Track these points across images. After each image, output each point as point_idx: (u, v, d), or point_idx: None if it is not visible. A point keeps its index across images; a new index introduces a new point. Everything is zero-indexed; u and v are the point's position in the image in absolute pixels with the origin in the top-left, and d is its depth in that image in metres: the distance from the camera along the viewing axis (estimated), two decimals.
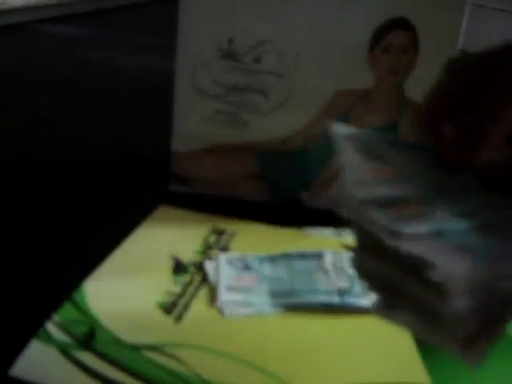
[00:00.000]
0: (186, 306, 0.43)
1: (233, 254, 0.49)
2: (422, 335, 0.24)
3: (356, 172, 0.27)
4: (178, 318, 0.41)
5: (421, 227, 0.24)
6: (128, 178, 0.63)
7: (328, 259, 0.48)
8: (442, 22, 0.53)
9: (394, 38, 0.54)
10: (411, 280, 0.23)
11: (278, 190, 0.60)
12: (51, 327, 0.39)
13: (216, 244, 0.51)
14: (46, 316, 0.40)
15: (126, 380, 0.35)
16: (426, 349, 0.40)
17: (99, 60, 1.08)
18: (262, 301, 0.43)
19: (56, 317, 0.40)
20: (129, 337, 0.39)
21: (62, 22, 1.29)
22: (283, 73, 0.56)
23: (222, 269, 0.47)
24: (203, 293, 0.45)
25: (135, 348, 0.38)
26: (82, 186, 0.60)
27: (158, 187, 0.61)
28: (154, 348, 0.38)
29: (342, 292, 0.44)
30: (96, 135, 0.74)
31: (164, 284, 0.45)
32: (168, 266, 0.47)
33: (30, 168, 0.63)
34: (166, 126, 0.59)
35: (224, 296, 0.43)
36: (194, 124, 0.58)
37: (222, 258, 0.48)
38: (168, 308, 0.42)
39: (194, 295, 0.44)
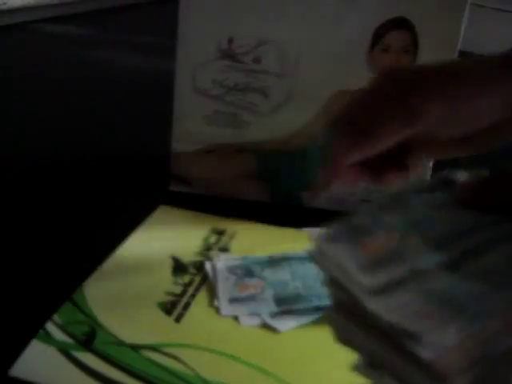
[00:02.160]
0: (186, 307, 0.43)
1: (232, 258, 0.49)
2: None
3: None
4: (178, 319, 0.41)
5: (392, 272, 0.21)
6: (128, 178, 0.63)
7: None
8: (442, 22, 0.53)
9: (394, 38, 0.54)
10: (390, 349, 0.20)
11: (278, 190, 0.60)
12: (51, 327, 0.39)
13: (216, 244, 0.51)
14: (47, 316, 0.40)
15: (126, 380, 0.35)
16: None
17: (99, 60, 1.08)
18: (267, 310, 0.43)
19: (56, 317, 0.40)
20: (129, 337, 0.39)
21: (62, 22, 1.29)
22: (283, 73, 0.56)
23: (222, 279, 0.46)
24: (203, 293, 0.45)
25: (135, 348, 0.38)
26: (83, 186, 0.60)
27: (158, 187, 0.61)
28: (154, 348, 0.38)
29: None
30: (96, 135, 0.74)
31: (164, 284, 0.45)
32: (168, 266, 0.47)
33: (30, 169, 0.63)
34: (166, 126, 0.59)
35: (226, 310, 0.42)
36: (194, 124, 0.58)
37: (222, 265, 0.47)
38: (168, 308, 0.42)
39: (193, 295, 0.44)
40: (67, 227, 0.52)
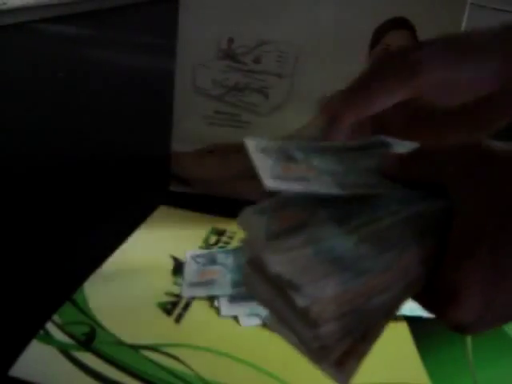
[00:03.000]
0: (186, 307, 0.43)
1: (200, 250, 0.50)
2: (304, 356, 0.24)
3: (270, 170, 0.26)
4: (178, 319, 0.41)
5: (296, 238, 0.23)
6: (128, 178, 0.63)
7: None
8: (442, 22, 0.53)
9: (394, 38, 0.54)
10: (282, 300, 0.23)
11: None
12: (51, 327, 0.39)
13: (216, 244, 0.51)
14: (47, 316, 0.40)
15: (126, 380, 0.35)
16: (426, 349, 0.40)
17: (99, 60, 1.08)
18: (223, 292, 0.44)
19: (56, 317, 0.40)
20: (129, 337, 0.39)
21: (62, 22, 1.29)
22: (283, 73, 0.56)
23: (187, 266, 0.47)
24: None
25: (135, 348, 0.38)
26: (83, 186, 0.60)
27: (158, 187, 0.61)
28: (154, 348, 0.38)
29: None
30: (96, 135, 0.74)
31: (164, 284, 0.45)
32: (168, 266, 0.47)
33: (30, 169, 0.63)
34: (166, 126, 0.59)
35: (226, 311, 0.43)
36: (194, 124, 0.58)
37: (188, 255, 0.49)
38: (168, 308, 0.42)
39: (193, 296, 0.44)
40: (67, 227, 0.52)
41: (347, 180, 0.25)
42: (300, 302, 0.21)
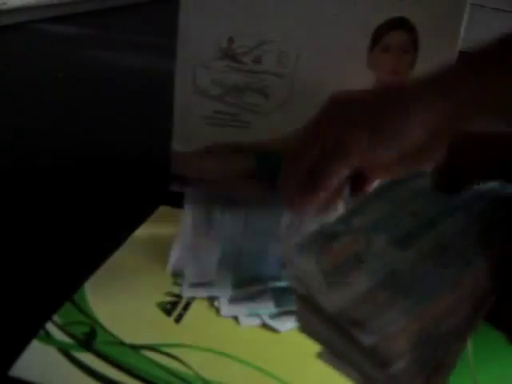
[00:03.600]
0: (186, 307, 0.43)
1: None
2: None
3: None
4: (178, 319, 0.41)
5: (352, 271, 0.21)
6: (128, 178, 0.63)
7: None
8: (442, 22, 0.53)
9: (394, 38, 0.54)
10: (343, 339, 0.21)
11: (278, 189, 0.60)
12: (51, 327, 0.39)
13: None
14: (47, 316, 0.40)
15: (126, 380, 0.35)
16: None
17: (99, 60, 1.08)
18: (267, 310, 0.42)
19: (56, 317, 0.40)
20: (129, 337, 0.39)
21: (62, 22, 1.29)
22: (283, 73, 0.56)
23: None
24: None
25: (135, 348, 0.38)
26: (82, 186, 0.60)
27: (158, 187, 0.61)
28: (153, 348, 0.38)
29: None
30: (96, 135, 0.74)
31: (164, 284, 0.45)
32: (168, 266, 0.47)
33: (31, 169, 0.63)
34: (166, 126, 0.59)
35: (226, 311, 0.42)
36: (194, 124, 0.58)
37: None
38: (168, 308, 0.42)
39: (193, 296, 0.44)
40: (67, 227, 0.52)
41: (403, 228, 0.23)
42: (366, 340, 0.19)
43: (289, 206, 0.40)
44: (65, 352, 0.37)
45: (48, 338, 0.38)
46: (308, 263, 0.22)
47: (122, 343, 0.38)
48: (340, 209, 0.39)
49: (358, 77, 0.55)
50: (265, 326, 0.41)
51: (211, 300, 0.44)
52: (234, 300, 0.43)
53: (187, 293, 0.44)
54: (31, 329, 0.38)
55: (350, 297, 0.20)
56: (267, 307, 0.43)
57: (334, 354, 0.22)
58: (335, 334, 0.21)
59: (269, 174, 0.60)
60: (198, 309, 0.43)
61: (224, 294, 0.44)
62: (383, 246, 0.22)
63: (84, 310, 0.41)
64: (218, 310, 0.43)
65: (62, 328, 0.39)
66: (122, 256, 0.48)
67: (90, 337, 0.38)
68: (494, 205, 0.23)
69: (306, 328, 0.23)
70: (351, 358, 0.21)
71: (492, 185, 0.24)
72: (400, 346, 0.20)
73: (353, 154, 0.35)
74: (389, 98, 0.36)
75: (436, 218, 0.23)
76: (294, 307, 0.42)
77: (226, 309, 0.43)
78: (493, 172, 0.23)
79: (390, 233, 0.22)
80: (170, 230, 0.53)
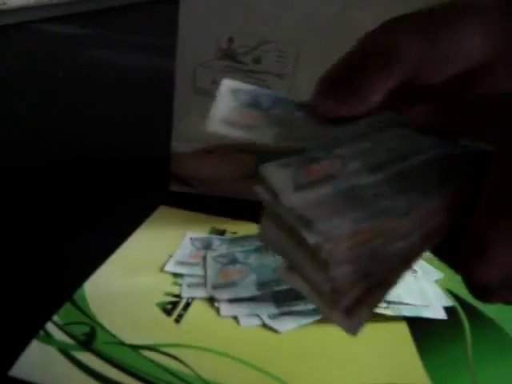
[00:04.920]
0: (186, 307, 0.43)
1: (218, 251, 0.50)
2: (313, 303, 0.22)
3: (226, 112, 0.24)
4: (178, 319, 0.41)
5: (320, 190, 0.21)
6: (128, 178, 0.63)
7: None
8: None
9: None
10: (295, 243, 0.21)
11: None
12: (51, 327, 0.39)
13: None
14: (47, 316, 0.40)
15: (126, 380, 0.35)
16: (426, 349, 0.40)
17: (99, 60, 1.08)
18: (266, 311, 0.43)
19: (56, 317, 0.40)
20: (129, 337, 0.39)
21: (62, 22, 1.29)
22: (283, 73, 0.56)
23: (207, 266, 0.47)
24: None
25: (135, 348, 0.38)
26: (83, 186, 0.60)
27: (158, 187, 0.61)
28: (153, 348, 0.38)
29: None
30: (96, 135, 0.74)
31: (164, 284, 0.45)
32: (168, 266, 0.47)
33: (30, 169, 0.63)
34: (166, 126, 0.59)
35: (226, 311, 0.42)
36: (194, 124, 0.58)
37: (209, 256, 0.48)
38: (168, 308, 0.42)
39: (193, 296, 0.44)
40: (67, 227, 0.52)
41: (377, 159, 0.23)
42: (311, 239, 0.20)
43: (322, 110, 0.32)
44: (65, 352, 0.37)
45: (48, 338, 0.38)
46: (283, 172, 0.22)
47: (121, 343, 0.38)
48: None
49: None
50: (265, 326, 0.41)
51: (211, 300, 0.44)
52: (233, 300, 0.43)
53: (187, 293, 0.44)
54: (31, 329, 0.38)
55: (308, 199, 0.21)
56: (267, 308, 0.43)
57: (288, 268, 0.23)
58: (290, 242, 0.21)
59: None
60: (198, 309, 0.43)
61: (249, 294, 0.44)
62: (355, 171, 0.22)
63: (84, 310, 0.41)
64: (217, 310, 0.43)
65: (61, 328, 0.39)
66: (121, 256, 0.48)
67: (89, 337, 0.39)
68: (465, 154, 0.24)
69: (265, 237, 0.23)
70: (300, 265, 0.21)
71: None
72: (343, 252, 0.20)
73: (405, 59, 0.28)
74: (446, 9, 0.29)
75: (409, 154, 0.24)
76: (294, 308, 0.42)
77: (226, 309, 0.43)
78: (478, 133, 0.24)
79: (365, 161, 0.23)
80: (170, 230, 0.53)
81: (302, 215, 0.20)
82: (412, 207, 0.21)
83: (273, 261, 0.46)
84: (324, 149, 0.25)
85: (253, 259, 0.47)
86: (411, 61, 0.28)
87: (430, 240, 0.22)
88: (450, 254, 0.23)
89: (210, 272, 0.46)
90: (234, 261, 0.47)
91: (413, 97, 0.30)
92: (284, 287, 0.43)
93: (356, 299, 0.21)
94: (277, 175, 0.22)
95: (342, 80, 0.30)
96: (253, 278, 0.45)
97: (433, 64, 0.28)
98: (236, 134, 0.23)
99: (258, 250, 0.48)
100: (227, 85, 0.27)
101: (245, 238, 0.51)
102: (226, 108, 0.24)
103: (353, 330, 0.21)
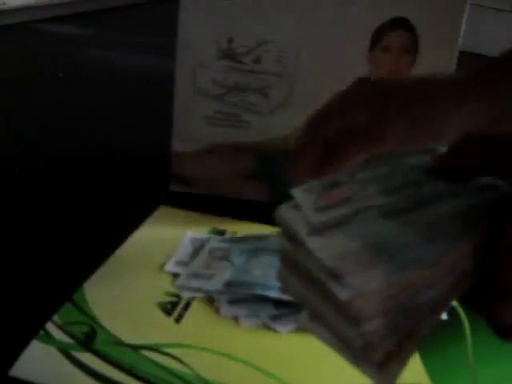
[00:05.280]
0: (186, 307, 0.43)
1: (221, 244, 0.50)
2: (339, 354, 0.22)
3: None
4: (178, 319, 0.41)
5: (337, 211, 0.21)
6: (128, 178, 0.63)
7: None
8: (442, 22, 0.53)
9: (394, 38, 0.54)
10: (320, 295, 0.21)
11: (278, 190, 0.60)
12: (51, 327, 0.39)
13: None
14: (47, 316, 0.40)
15: (125, 380, 0.35)
16: (426, 349, 0.40)
17: (99, 60, 1.08)
18: (267, 312, 0.43)
19: (56, 317, 0.40)
20: (129, 337, 0.39)
21: (62, 22, 1.29)
22: (283, 73, 0.55)
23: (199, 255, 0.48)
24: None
25: (135, 348, 0.38)
26: (83, 186, 0.60)
27: (158, 187, 0.61)
28: (153, 348, 0.38)
29: None
30: (96, 135, 0.74)
31: (164, 284, 0.45)
32: (168, 266, 0.47)
33: (31, 169, 0.63)
34: (166, 126, 0.59)
35: (226, 311, 0.43)
36: (194, 124, 0.58)
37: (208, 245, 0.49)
38: (168, 308, 0.42)
39: (193, 296, 0.44)
40: (67, 227, 0.52)
41: (392, 183, 0.24)
42: (342, 294, 0.19)
43: (295, 173, 0.34)
44: (65, 352, 0.37)
45: (48, 338, 0.38)
46: (298, 217, 0.22)
47: (121, 343, 0.38)
48: None
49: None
50: (265, 326, 0.41)
51: (211, 300, 0.44)
52: (233, 300, 0.43)
53: (187, 293, 0.44)
54: (31, 329, 0.38)
55: (332, 248, 0.20)
56: (267, 308, 0.43)
57: (310, 317, 0.22)
58: (313, 291, 0.21)
59: (269, 174, 0.60)
60: (198, 309, 0.43)
61: (213, 288, 0.44)
62: (373, 193, 0.23)
63: (84, 310, 0.41)
64: (217, 310, 0.43)
65: (61, 328, 0.39)
66: (121, 256, 0.48)
67: (89, 337, 0.38)
68: (486, 198, 0.24)
69: (285, 285, 0.23)
70: (326, 317, 0.21)
71: (489, 180, 0.25)
72: (374, 307, 0.19)
73: (389, 143, 0.30)
74: (426, 86, 0.32)
75: (433, 202, 0.23)
76: (294, 309, 0.42)
77: (226, 309, 0.43)
78: (490, 171, 0.24)
79: (383, 186, 0.23)
80: (170, 230, 0.53)
81: (329, 268, 0.19)
82: (439, 257, 0.21)
83: (255, 265, 0.47)
84: (346, 174, 0.25)
85: (243, 259, 0.48)
86: (392, 141, 0.31)
87: (458, 287, 0.22)
88: (475, 299, 0.24)
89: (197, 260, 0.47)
90: (225, 257, 0.48)
91: None
92: (245, 291, 0.44)
93: (388, 353, 0.21)
94: (291, 218, 0.22)
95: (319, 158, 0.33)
96: (227, 275, 0.45)
97: (412, 142, 0.31)
98: (339, 212, 0.22)
99: (253, 252, 0.49)
100: (297, 191, 0.25)
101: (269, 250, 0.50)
102: (312, 201, 0.23)
103: (387, 383, 0.21)
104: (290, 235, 0.22)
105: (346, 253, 0.20)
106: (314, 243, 0.20)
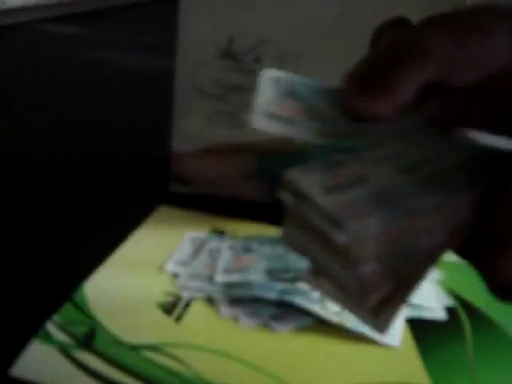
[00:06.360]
0: (186, 307, 0.43)
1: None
2: (339, 305, 0.22)
3: (266, 103, 0.24)
4: (178, 318, 0.41)
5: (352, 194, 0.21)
6: (128, 178, 0.63)
7: None
8: None
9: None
10: (321, 245, 0.21)
11: (278, 190, 0.60)
12: (51, 327, 0.39)
13: None
14: (47, 316, 0.40)
15: (126, 380, 0.35)
16: (426, 349, 0.40)
17: (99, 60, 1.08)
18: (267, 311, 0.43)
19: (56, 317, 0.40)
20: (129, 337, 0.39)
21: (62, 22, 1.29)
22: None
23: (222, 252, 0.48)
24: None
25: (135, 348, 0.38)
26: (82, 186, 0.60)
27: (158, 187, 0.61)
28: (154, 348, 0.38)
29: None
30: (96, 135, 0.74)
31: (164, 284, 0.45)
32: (168, 266, 0.47)
33: (30, 169, 0.63)
34: (166, 126, 0.59)
35: (226, 311, 0.43)
36: (194, 124, 0.58)
37: (225, 245, 0.49)
38: (168, 308, 0.42)
39: (193, 296, 0.44)
40: (67, 227, 0.52)
41: (404, 162, 0.24)
42: (340, 238, 0.20)
43: (353, 109, 0.28)
44: (65, 352, 0.37)
45: (48, 338, 0.38)
46: (311, 176, 0.22)
47: (121, 343, 0.38)
48: None
49: None
50: (265, 326, 0.41)
51: (211, 300, 0.44)
52: (233, 300, 0.43)
53: (187, 293, 0.44)
54: (31, 329, 0.38)
55: (338, 201, 0.21)
56: (267, 308, 0.43)
57: (313, 271, 0.23)
58: (315, 242, 0.21)
59: (269, 174, 0.60)
60: (198, 309, 0.43)
61: (258, 278, 0.45)
62: (388, 171, 0.23)
63: (84, 310, 0.41)
64: (218, 310, 0.43)
65: (61, 328, 0.39)
66: (121, 256, 0.48)
67: (89, 337, 0.39)
68: (489, 151, 0.24)
69: (289, 239, 0.23)
70: (326, 267, 0.21)
71: (492, 138, 0.25)
72: (371, 251, 0.20)
73: (437, 57, 0.27)
74: (474, 13, 0.29)
75: (434, 157, 0.24)
76: (294, 308, 0.42)
77: (226, 309, 0.43)
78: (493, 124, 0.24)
79: (392, 165, 0.23)
80: (170, 229, 0.53)
81: (330, 215, 0.20)
82: (437, 205, 0.22)
83: (283, 251, 0.47)
84: (347, 153, 0.25)
85: (265, 248, 0.48)
86: (445, 62, 0.27)
87: (455, 237, 0.23)
88: (473, 252, 0.24)
89: (223, 256, 0.47)
90: (248, 249, 0.48)
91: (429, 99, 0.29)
92: (291, 276, 0.44)
93: (383, 298, 0.21)
94: (305, 179, 0.22)
95: (374, 79, 0.28)
96: (263, 264, 0.46)
97: (463, 66, 0.28)
98: (276, 128, 0.23)
99: (272, 240, 0.50)
100: (267, 74, 0.27)
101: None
102: (267, 98, 0.24)
103: (380, 328, 0.21)
104: (299, 195, 0.22)
105: (351, 202, 0.21)
106: (323, 199, 0.21)
